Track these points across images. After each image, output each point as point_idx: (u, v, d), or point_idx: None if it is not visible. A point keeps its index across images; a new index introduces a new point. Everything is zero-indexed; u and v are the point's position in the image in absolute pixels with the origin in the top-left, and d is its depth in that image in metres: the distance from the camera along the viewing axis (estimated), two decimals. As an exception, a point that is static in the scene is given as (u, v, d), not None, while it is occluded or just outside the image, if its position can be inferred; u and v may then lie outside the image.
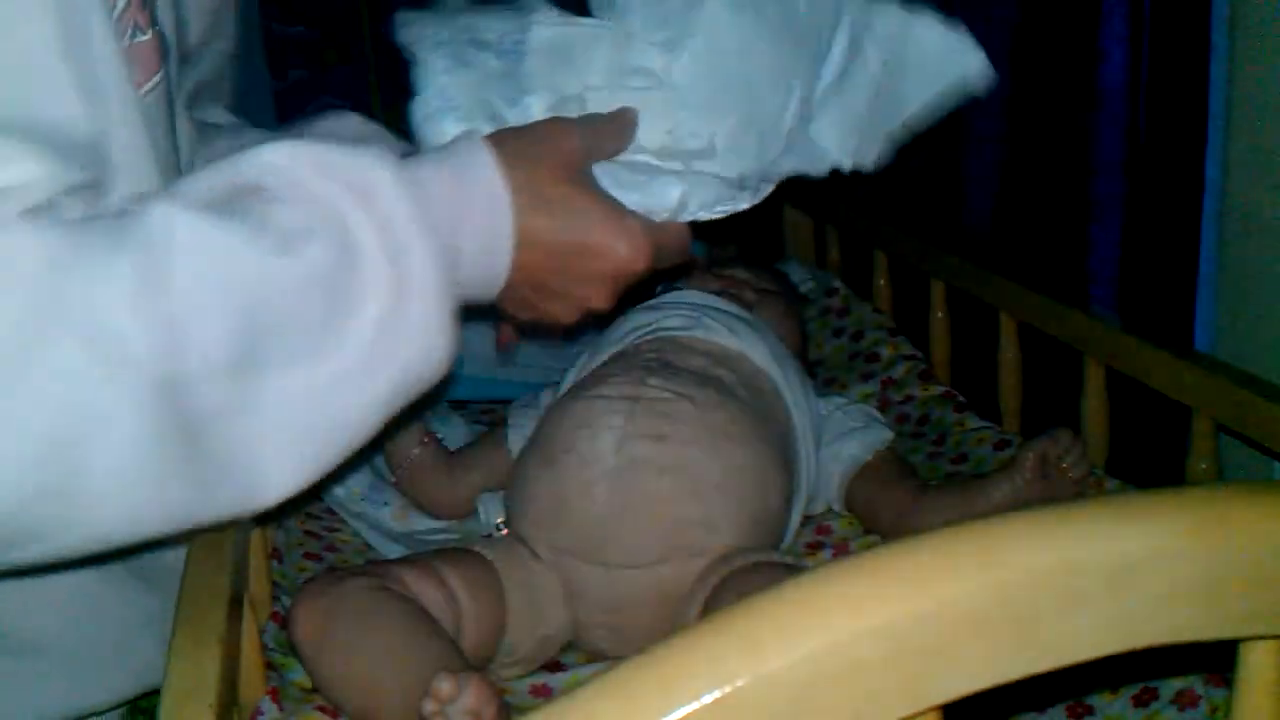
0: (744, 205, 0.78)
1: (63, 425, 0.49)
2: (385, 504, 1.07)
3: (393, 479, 1.09)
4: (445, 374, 0.62)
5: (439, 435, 1.12)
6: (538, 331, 0.83)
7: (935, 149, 1.32)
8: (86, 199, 0.54)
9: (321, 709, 0.77)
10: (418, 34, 0.75)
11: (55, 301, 0.48)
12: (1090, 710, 0.78)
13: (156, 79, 0.64)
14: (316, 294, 0.55)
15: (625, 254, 0.69)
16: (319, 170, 0.57)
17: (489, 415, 1.31)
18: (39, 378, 0.48)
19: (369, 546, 1.04)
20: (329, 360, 0.56)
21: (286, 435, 0.56)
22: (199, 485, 0.55)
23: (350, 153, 0.58)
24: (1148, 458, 1.10)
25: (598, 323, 0.95)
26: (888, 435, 1.04)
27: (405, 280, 0.58)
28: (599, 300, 0.72)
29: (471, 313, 0.66)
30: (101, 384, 0.50)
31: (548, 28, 0.76)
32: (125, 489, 0.52)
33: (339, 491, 1.07)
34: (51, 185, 0.52)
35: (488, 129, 0.70)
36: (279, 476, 0.57)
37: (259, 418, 0.55)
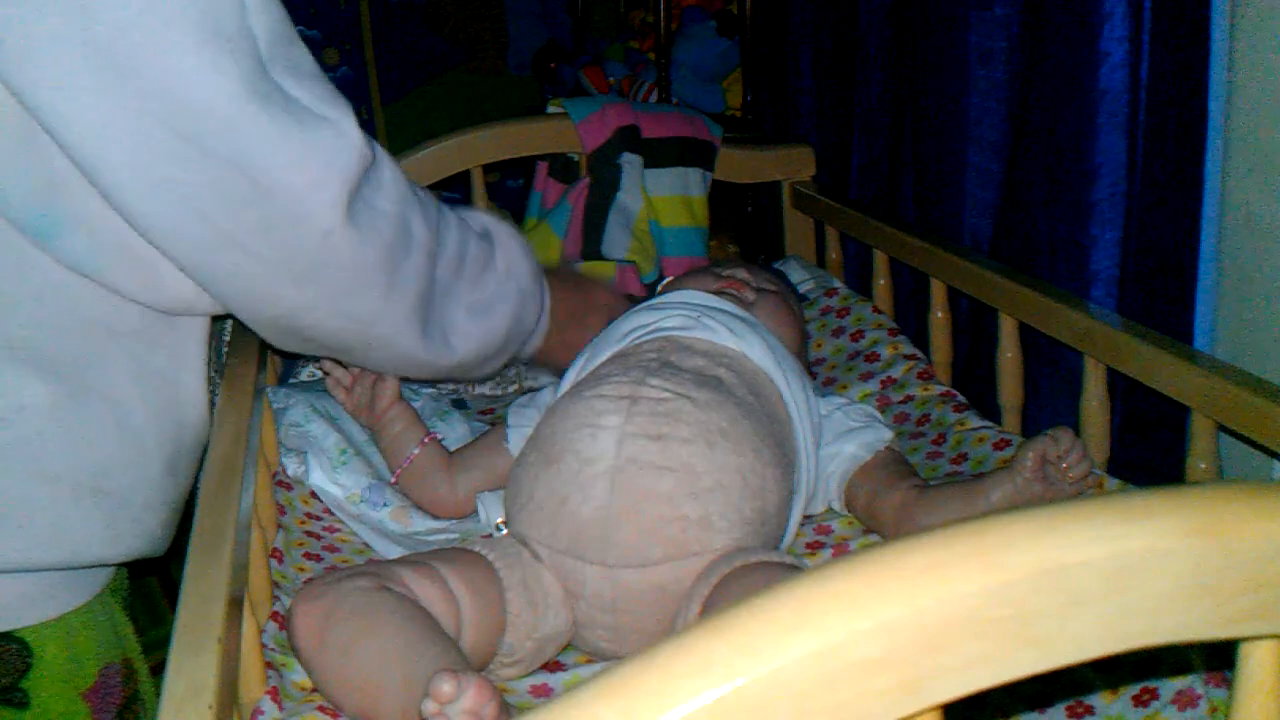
0: None
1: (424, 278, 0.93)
2: (384, 505, 1.06)
3: (393, 479, 1.09)
4: (537, 325, 1.10)
5: (439, 435, 1.12)
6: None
7: (937, 149, 1.32)
8: None
9: (321, 709, 0.77)
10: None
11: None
12: (1090, 710, 0.78)
13: None
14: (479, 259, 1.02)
15: (605, 291, 1.24)
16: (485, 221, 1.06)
17: (489, 415, 1.31)
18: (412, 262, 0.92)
19: (369, 546, 1.04)
20: (484, 285, 1.02)
21: (469, 313, 1.00)
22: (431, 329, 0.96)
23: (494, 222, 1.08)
24: (1148, 458, 1.10)
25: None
26: (887, 435, 1.04)
27: (512, 263, 1.05)
28: (599, 321, 1.14)
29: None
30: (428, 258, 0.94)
31: None
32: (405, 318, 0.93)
33: (337, 494, 1.07)
34: None
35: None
36: (465, 340, 1.00)
37: (458, 301, 0.99)
